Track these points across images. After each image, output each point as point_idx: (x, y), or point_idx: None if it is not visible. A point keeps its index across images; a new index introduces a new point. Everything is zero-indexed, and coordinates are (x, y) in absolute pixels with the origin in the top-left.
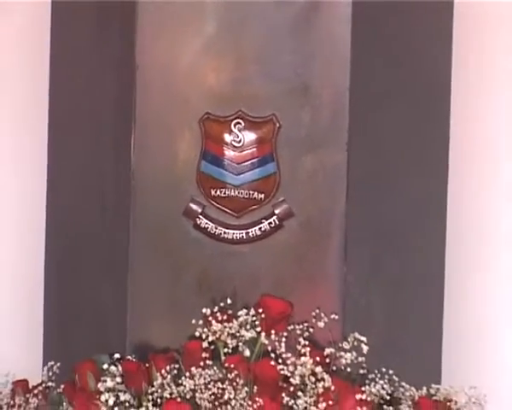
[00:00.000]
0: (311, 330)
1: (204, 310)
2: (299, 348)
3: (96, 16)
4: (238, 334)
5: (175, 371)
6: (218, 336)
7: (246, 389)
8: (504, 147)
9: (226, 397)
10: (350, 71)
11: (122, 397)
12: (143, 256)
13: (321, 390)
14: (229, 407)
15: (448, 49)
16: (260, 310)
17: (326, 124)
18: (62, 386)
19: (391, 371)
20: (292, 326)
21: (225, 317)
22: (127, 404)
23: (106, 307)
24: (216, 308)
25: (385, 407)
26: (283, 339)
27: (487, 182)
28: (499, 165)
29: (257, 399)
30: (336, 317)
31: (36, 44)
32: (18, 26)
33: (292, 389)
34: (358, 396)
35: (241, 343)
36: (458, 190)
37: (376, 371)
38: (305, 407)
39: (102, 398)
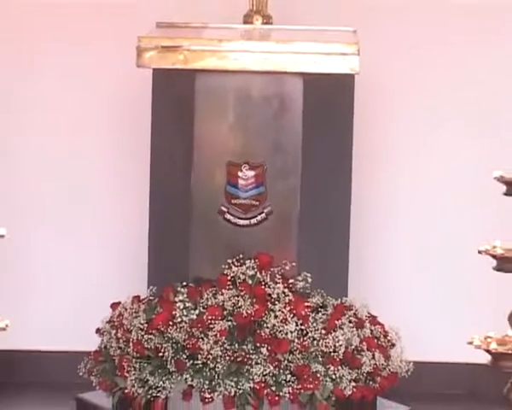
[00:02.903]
0: (282, 270)
1: (228, 260)
2: (276, 279)
3: (176, 108)
4: (245, 273)
5: (214, 292)
6: (235, 273)
7: (249, 300)
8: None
9: (239, 304)
10: (302, 138)
11: (187, 305)
12: (197, 234)
13: (287, 301)
14: (240, 309)
15: (350, 125)
16: (256, 260)
17: (289, 165)
18: (157, 299)
19: (322, 291)
20: (272, 268)
21: (239, 264)
22: (189, 308)
23: (178, 258)
24: (234, 259)
25: (319, 309)
26: (268, 275)
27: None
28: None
29: (255, 305)
30: (294, 264)
31: (144, 110)
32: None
33: (272, 300)
34: (306, 304)
35: (247, 277)
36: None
37: (315, 291)
38: (279, 309)
39: (177, 305)
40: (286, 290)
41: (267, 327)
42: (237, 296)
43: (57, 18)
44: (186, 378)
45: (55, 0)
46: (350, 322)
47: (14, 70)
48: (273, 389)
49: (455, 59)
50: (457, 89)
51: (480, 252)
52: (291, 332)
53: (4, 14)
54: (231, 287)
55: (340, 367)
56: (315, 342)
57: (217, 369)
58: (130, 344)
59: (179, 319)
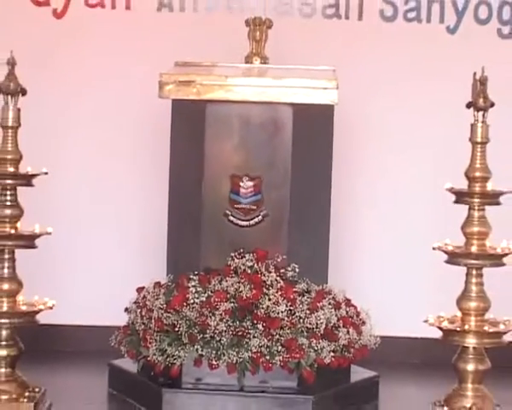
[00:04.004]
0: (274, 262)
1: (231, 254)
2: (270, 269)
3: (190, 131)
4: (245, 264)
5: (220, 279)
6: (237, 264)
7: (248, 286)
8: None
9: (240, 289)
10: (291, 156)
11: (198, 289)
12: (206, 233)
13: (278, 287)
14: (241, 293)
15: (330, 145)
16: (254, 254)
17: (281, 178)
18: (174, 285)
19: (307, 279)
20: (267, 261)
21: (240, 257)
22: (200, 292)
23: (191, 251)
24: (236, 253)
25: (304, 293)
26: (263, 266)
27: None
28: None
29: (253, 290)
30: (285, 257)
31: (164, 137)
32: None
33: (267, 286)
34: (294, 289)
35: (246, 267)
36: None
37: (301, 279)
38: (272, 293)
39: (190, 289)
40: (278, 278)
41: (262, 308)
42: (238, 283)
43: (97, 63)
44: (197, 349)
45: (95, 50)
46: (329, 304)
47: (62, 102)
48: (267, 357)
49: (417, 92)
50: (421, 117)
51: (434, 248)
52: (282, 312)
53: (53, 65)
54: (234, 275)
55: (321, 340)
56: (301, 320)
57: (222, 341)
58: (152, 321)
59: (192, 301)
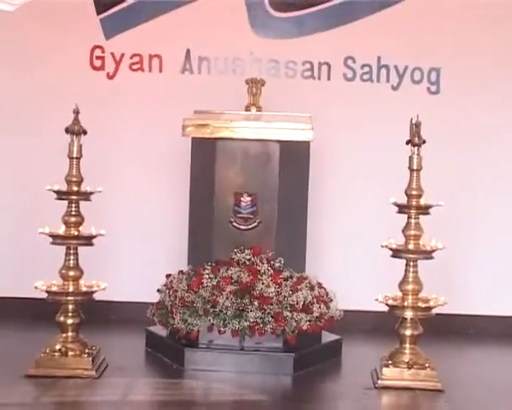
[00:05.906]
0: (266, 256)
1: (235, 250)
2: (263, 261)
3: (205, 161)
4: (245, 257)
5: (226, 268)
6: (238, 258)
7: (247, 273)
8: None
9: (241, 276)
10: (278, 179)
11: (210, 276)
12: (217, 235)
13: (269, 274)
14: (242, 279)
15: (307, 171)
16: (251, 250)
17: (271, 195)
18: (193, 272)
19: (291, 269)
20: (261, 255)
21: (241, 252)
22: (212, 277)
23: (205, 248)
24: (238, 249)
25: (288, 279)
26: (258, 258)
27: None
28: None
29: (250, 276)
30: (273, 252)
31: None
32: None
33: (260, 273)
34: (280, 276)
35: (245, 260)
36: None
37: (286, 268)
38: (264, 279)
39: (204, 276)
40: (269, 268)
41: (257, 289)
42: (240, 271)
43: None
44: (209, 319)
45: (136, 101)
46: (306, 286)
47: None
48: (261, 326)
49: (370, 133)
50: (373, 151)
51: (382, 246)
52: (271, 292)
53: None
54: (236, 266)
55: (300, 313)
56: (285, 298)
57: (227, 314)
58: (177, 299)
59: (206, 284)
